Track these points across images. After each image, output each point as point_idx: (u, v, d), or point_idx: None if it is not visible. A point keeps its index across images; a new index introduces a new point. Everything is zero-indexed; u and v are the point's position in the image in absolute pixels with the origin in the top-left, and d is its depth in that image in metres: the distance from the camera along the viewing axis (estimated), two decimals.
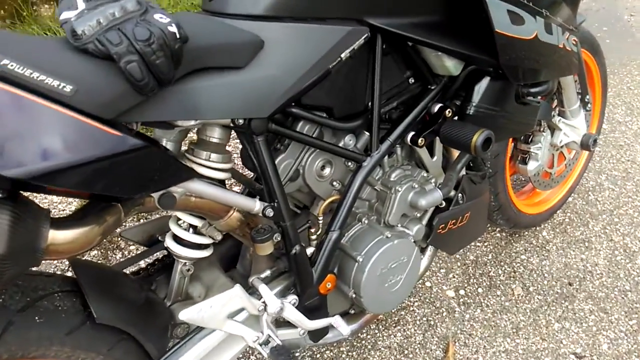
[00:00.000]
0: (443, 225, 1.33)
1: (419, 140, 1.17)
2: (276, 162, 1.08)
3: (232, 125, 0.94)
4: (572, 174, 1.96)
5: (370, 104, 1.11)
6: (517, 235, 1.94)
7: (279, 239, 1.04)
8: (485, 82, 1.19)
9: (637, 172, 2.20)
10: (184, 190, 0.88)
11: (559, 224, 1.98)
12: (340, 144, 1.14)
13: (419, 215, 1.29)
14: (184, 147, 1.02)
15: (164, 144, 0.97)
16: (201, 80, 0.84)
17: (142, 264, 1.29)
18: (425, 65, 1.16)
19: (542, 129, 1.60)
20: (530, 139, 1.63)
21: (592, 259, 1.83)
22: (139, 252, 1.38)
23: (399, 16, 1.01)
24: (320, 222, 1.15)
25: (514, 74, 1.15)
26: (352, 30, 0.97)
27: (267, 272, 1.09)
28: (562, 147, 1.71)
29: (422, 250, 1.45)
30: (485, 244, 1.91)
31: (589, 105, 1.65)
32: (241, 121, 0.93)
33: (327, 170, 1.15)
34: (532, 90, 1.27)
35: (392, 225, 1.24)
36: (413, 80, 1.19)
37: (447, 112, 1.19)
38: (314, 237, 1.13)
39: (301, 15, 0.93)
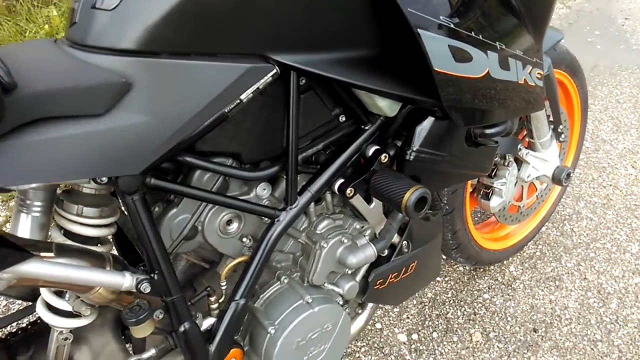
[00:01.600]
0: (381, 280, 1.16)
1: (348, 190, 0.99)
2: (167, 217, 0.90)
3: (94, 182, 0.76)
4: (544, 205, 1.78)
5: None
6: (481, 271, 1.77)
7: (160, 316, 0.87)
8: (428, 123, 1.00)
9: (619, 199, 2.03)
10: (12, 276, 0.70)
11: (529, 258, 1.81)
12: (252, 194, 0.96)
13: (350, 271, 1.12)
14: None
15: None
16: (42, 133, 0.66)
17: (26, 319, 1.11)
18: (358, 102, 0.98)
19: (506, 163, 1.42)
20: (494, 173, 1.44)
21: (561, 301, 1.67)
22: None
23: (312, 52, 0.82)
24: (224, 287, 0.97)
25: (462, 116, 0.97)
26: (251, 68, 0.78)
27: (152, 352, 0.92)
28: (525, 182, 1.54)
29: (361, 304, 1.28)
30: (446, 279, 1.74)
31: (563, 135, 1.47)
32: (105, 179, 0.75)
33: (234, 226, 0.97)
34: (488, 131, 1.08)
35: (318, 285, 1.06)
36: (344, 118, 1.00)
37: (382, 156, 1.01)
38: (214, 305, 0.96)
39: (183, 50, 0.74)
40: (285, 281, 1.05)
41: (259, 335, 1.00)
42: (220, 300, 0.96)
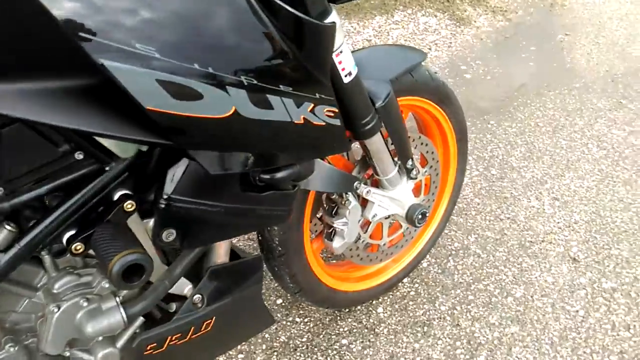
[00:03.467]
0: (154, 345, 0.98)
1: (76, 245, 0.81)
2: None
3: None
4: (417, 241, 1.62)
5: None
6: (347, 312, 1.60)
7: None
8: (183, 165, 0.83)
9: (515, 235, 1.88)
10: None
11: (401, 298, 1.65)
12: None
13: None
14: None
15: None
16: None
17: None
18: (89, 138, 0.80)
19: (344, 202, 1.25)
20: (334, 212, 1.28)
21: (425, 351, 1.51)
22: None
23: None
24: None
25: (215, 162, 0.80)
26: None
27: None
28: (386, 219, 1.37)
29: None
30: (306, 320, 1.57)
31: (415, 172, 1.30)
32: None
33: None
34: (275, 176, 0.91)
35: (56, 355, 0.88)
36: (82, 156, 0.82)
37: (127, 204, 0.83)
38: None
39: None
40: (12, 349, 0.86)
41: None
42: None
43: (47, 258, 0.86)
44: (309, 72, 0.82)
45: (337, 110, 0.90)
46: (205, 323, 1.05)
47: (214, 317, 1.06)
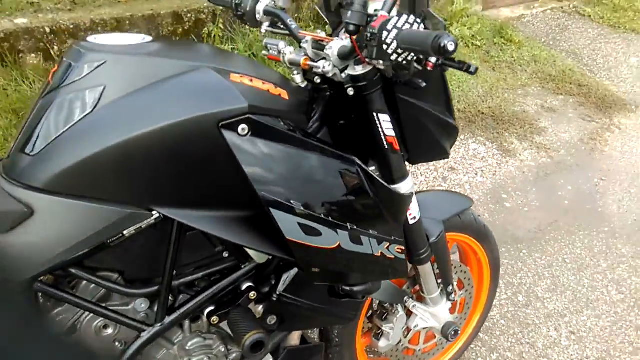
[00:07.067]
0: None
1: (213, 318, 1.17)
2: (52, 314, 1.09)
3: None
4: (447, 351, 1.90)
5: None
6: None
7: None
8: (293, 272, 1.20)
9: None
10: None
11: None
12: (130, 306, 1.15)
13: None
14: None
15: None
16: None
17: None
18: (237, 246, 1.18)
19: (393, 310, 1.58)
20: (384, 317, 1.60)
21: None
22: None
23: (190, 209, 1.03)
24: None
25: (317, 275, 1.16)
26: (132, 213, 1.00)
27: None
28: (423, 329, 1.68)
29: None
30: None
31: (453, 295, 1.62)
32: None
33: (109, 330, 1.15)
34: (353, 289, 1.27)
35: None
36: (228, 254, 1.20)
37: (251, 294, 1.20)
38: None
39: (79, 193, 0.97)
40: None
41: None
42: None
43: (186, 322, 1.22)
44: (390, 223, 1.20)
45: (403, 248, 1.26)
46: None
47: None
